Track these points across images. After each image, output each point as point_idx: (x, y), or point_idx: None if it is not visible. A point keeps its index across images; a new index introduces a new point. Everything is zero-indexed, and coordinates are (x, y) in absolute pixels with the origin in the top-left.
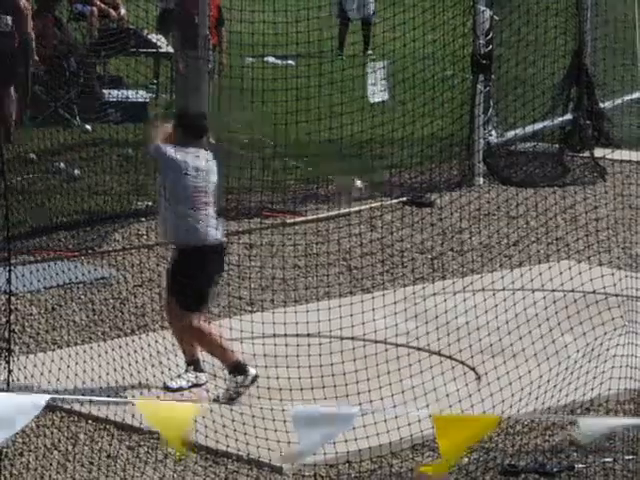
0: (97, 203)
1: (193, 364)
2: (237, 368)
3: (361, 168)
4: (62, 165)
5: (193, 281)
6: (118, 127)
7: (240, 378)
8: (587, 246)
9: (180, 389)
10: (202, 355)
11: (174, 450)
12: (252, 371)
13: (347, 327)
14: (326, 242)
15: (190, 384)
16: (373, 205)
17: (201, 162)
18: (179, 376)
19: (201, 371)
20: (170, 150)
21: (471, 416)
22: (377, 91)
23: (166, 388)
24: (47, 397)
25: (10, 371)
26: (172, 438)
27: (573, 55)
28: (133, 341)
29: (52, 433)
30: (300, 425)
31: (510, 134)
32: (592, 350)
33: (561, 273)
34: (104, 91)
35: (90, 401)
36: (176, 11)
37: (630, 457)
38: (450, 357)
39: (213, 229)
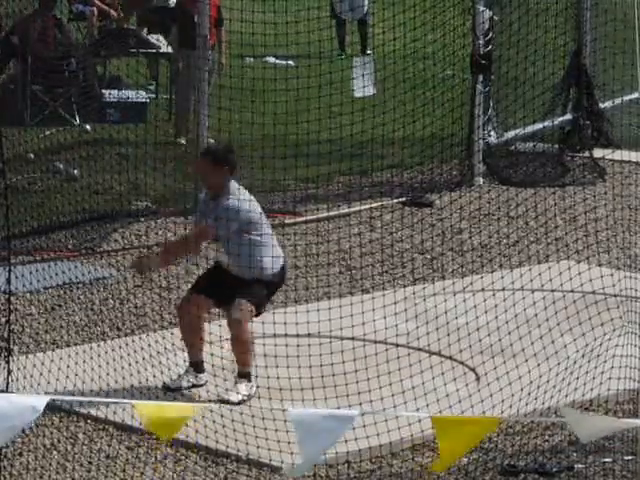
0: (97, 203)
1: (195, 365)
2: (247, 376)
3: (361, 168)
4: (61, 165)
5: (258, 299)
6: (118, 127)
7: (250, 384)
8: (586, 246)
9: (179, 389)
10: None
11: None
12: (254, 384)
13: (347, 327)
14: (325, 242)
15: (190, 384)
16: (373, 205)
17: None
18: (179, 376)
19: (202, 372)
20: (233, 202)
21: (471, 418)
22: (362, 86)
23: (166, 388)
24: (46, 401)
25: (9, 371)
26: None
27: (573, 55)
28: (133, 341)
29: (51, 433)
30: (300, 431)
31: (510, 134)
32: (591, 350)
33: (560, 273)
34: (104, 91)
35: (89, 402)
36: (175, 11)
37: (630, 457)
38: (450, 357)
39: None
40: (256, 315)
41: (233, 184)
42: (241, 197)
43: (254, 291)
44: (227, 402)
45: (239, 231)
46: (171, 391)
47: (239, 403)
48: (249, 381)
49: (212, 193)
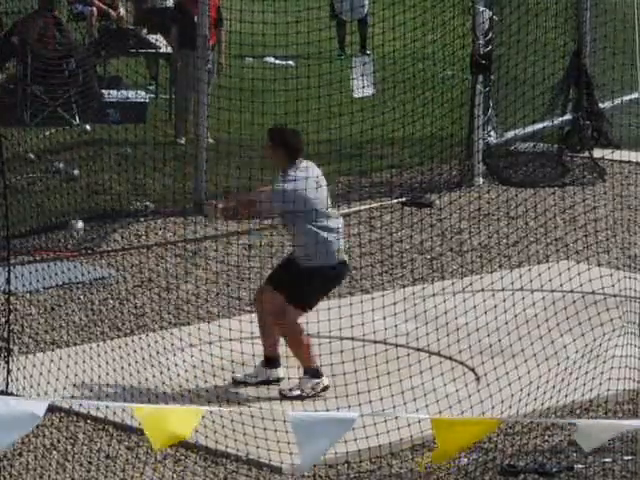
0: (96, 203)
1: (270, 360)
2: (314, 373)
3: (361, 168)
4: (61, 165)
5: (312, 287)
6: (117, 127)
7: (315, 381)
8: (586, 247)
9: (299, 397)
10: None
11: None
12: (326, 381)
13: (347, 327)
14: None
15: (259, 379)
16: (372, 205)
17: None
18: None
19: (276, 368)
20: (281, 184)
21: (470, 419)
22: (361, 86)
23: (282, 396)
24: (46, 404)
25: (9, 371)
26: (165, 441)
27: (572, 55)
28: (132, 341)
29: (51, 433)
30: (299, 434)
31: (509, 134)
32: (591, 351)
33: (560, 274)
34: (103, 91)
35: (89, 404)
36: (175, 10)
37: (629, 457)
38: (450, 358)
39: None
40: (306, 308)
41: (299, 166)
42: (300, 182)
43: (304, 280)
44: (286, 397)
45: (289, 214)
46: (237, 382)
47: (296, 398)
48: (314, 377)
49: (278, 175)
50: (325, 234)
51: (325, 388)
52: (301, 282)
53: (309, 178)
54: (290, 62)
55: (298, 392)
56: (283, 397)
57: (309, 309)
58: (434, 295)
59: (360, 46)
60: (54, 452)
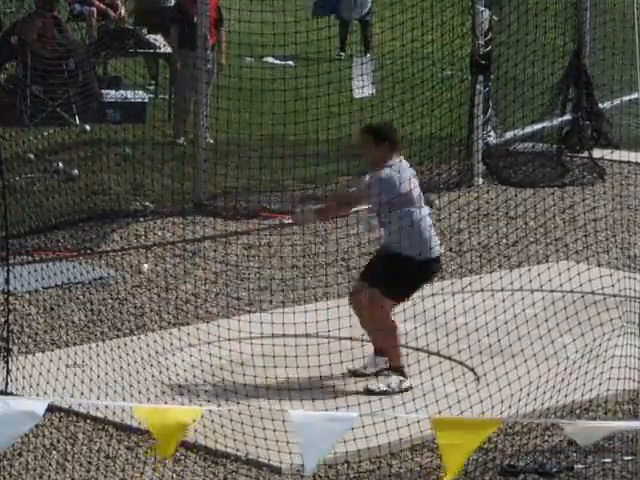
0: (96, 203)
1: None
2: (400, 371)
3: (361, 168)
4: (61, 165)
5: (407, 280)
6: (117, 127)
7: (401, 378)
8: (586, 247)
9: (385, 392)
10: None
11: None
12: (409, 382)
13: (346, 328)
14: (324, 242)
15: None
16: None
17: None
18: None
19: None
20: (384, 173)
21: (470, 419)
22: (361, 86)
23: (369, 391)
24: (46, 404)
25: (9, 371)
26: (168, 442)
27: (572, 55)
28: (132, 341)
29: (51, 433)
30: (300, 433)
31: (509, 134)
32: (591, 351)
33: (560, 274)
34: (103, 91)
35: (89, 404)
36: (175, 10)
37: (629, 458)
38: (449, 358)
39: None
40: (402, 300)
41: (395, 162)
42: (394, 172)
43: (400, 270)
44: (370, 392)
45: (389, 203)
46: (374, 394)
47: (379, 393)
48: (399, 375)
49: (371, 169)
50: (421, 226)
51: (408, 388)
52: (395, 272)
53: (408, 168)
54: (290, 62)
55: (385, 387)
56: (369, 392)
57: (401, 301)
58: (433, 295)
59: (364, 47)
60: (54, 452)
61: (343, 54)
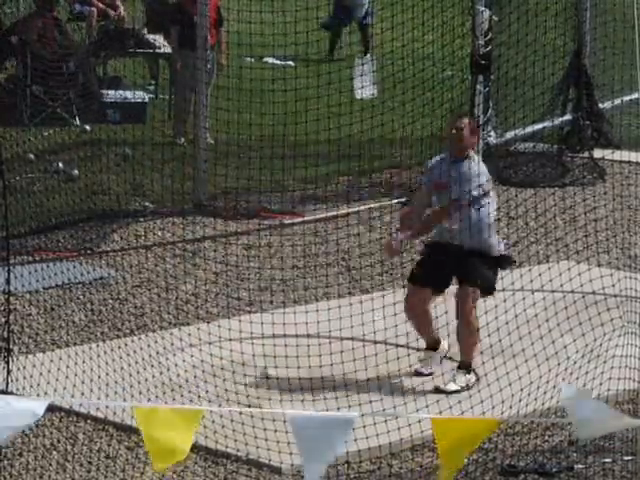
0: (96, 203)
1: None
2: (470, 368)
3: (361, 168)
4: (61, 165)
5: (496, 274)
6: (117, 127)
7: (469, 377)
8: (586, 247)
9: (457, 392)
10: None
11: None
12: (474, 379)
13: (347, 328)
14: (325, 243)
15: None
16: (372, 206)
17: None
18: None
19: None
20: (476, 165)
21: (471, 419)
22: (363, 87)
23: (439, 390)
24: (46, 403)
25: (9, 371)
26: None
27: (572, 55)
28: (132, 341)
29: (51, 433)
30: (300, 434)
31: (509, 134)
32: (591, 351)
33: (560, 274)
34: (103, 91)
35: (89, 404)
36: (175, 10)
37: (629, 458)
38: (449, 358)
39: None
40: (488, 294)
41: (475, 153)
42: (481, 165)
43: (481, 266)
44: (442, 391)
45: (477, 198)
46: (447, 393)
47: (454, 392)
48: (468, 372)
49: (455, 157)
50: (494, 219)
51: (476, 383)
52: (486, 268)
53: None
54: (290, 62)
55: (456, 387)
56: (439, 391)
57: (486, 294)
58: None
59: (363, 48)
60: (54, 452)
61: (331, 58)
